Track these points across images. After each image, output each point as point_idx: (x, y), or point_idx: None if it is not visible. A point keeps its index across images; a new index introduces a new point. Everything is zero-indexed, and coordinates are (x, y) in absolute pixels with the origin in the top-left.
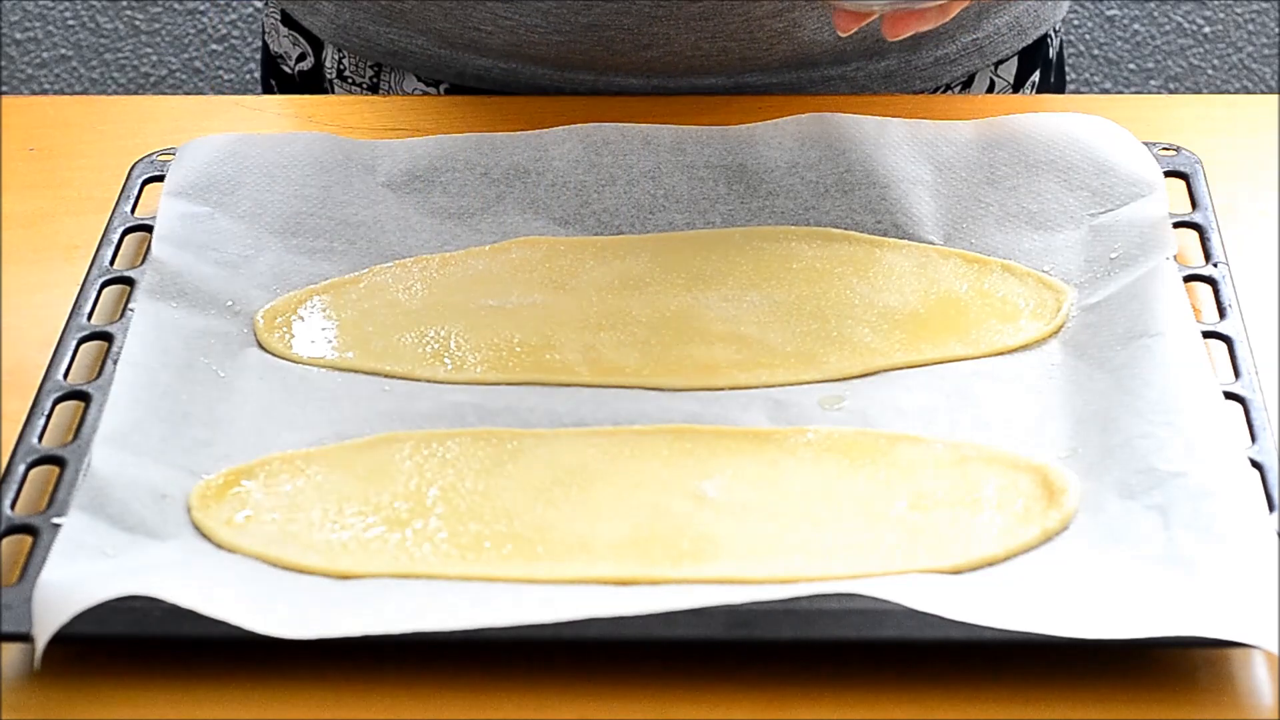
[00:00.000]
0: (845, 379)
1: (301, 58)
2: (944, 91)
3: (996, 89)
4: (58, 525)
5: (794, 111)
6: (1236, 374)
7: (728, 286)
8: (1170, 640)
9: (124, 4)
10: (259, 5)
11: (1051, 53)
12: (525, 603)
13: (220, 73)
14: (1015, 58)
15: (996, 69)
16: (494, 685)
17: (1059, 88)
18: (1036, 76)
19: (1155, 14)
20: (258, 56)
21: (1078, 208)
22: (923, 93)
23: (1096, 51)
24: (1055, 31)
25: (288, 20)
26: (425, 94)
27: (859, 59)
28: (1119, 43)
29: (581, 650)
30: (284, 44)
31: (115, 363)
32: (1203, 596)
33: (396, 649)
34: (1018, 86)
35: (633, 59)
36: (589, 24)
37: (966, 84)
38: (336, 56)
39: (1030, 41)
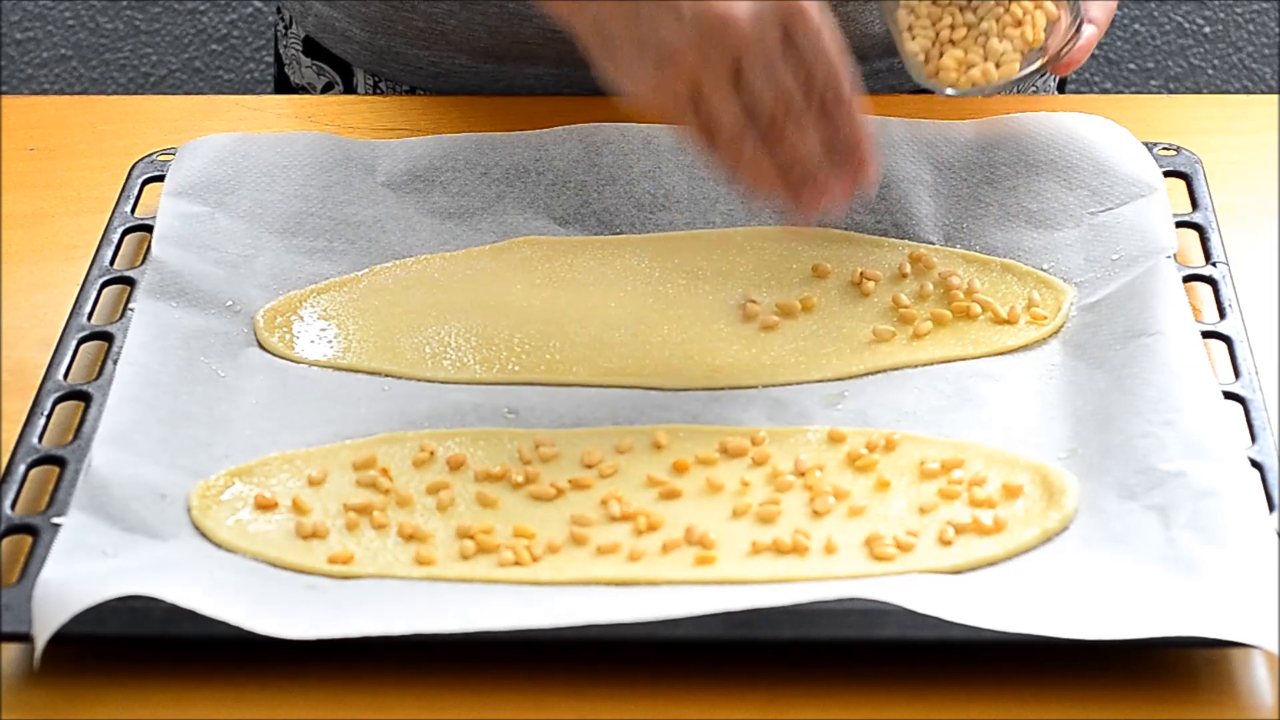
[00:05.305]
0: (845, 379)
1: (328, 87)
2: None
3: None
4: (58, 525)
5: None
6: (1236, 374)
7: (728, 286)
8: (1171, 640)
9: (124, 4)
10: (259, 5)
11: None
12: (525, 605)
13: (220, 73)
14: None
15: None
16: (494, 685)
17: (1060, 86)
18: None
19: (1155, 14)
20: (258, 57)
21: (1077, 207)
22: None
23: (1096, 51)
24: None
25: (311, 51)
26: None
27: None
28: (1119, 43)
29: (581, 650)
30: (307, 75)
31: (115, 363)
32: (1203, 596)
33: (396, 649)
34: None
35: None
36: None
37: None
38: (370, 81)
39: None
